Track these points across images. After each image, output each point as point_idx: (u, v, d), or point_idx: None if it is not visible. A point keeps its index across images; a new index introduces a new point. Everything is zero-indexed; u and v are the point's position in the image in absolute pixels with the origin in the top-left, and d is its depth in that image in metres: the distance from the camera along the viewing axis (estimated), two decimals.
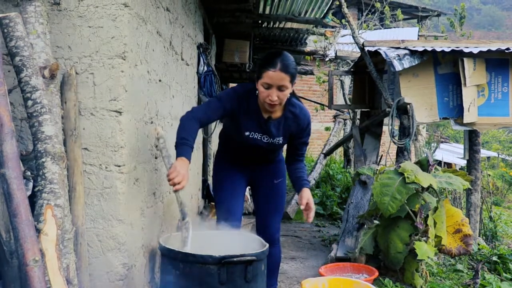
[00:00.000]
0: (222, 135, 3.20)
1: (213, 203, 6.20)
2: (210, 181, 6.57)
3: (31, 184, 2.12)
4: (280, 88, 2.69)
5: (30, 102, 2.05)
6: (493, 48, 4.42)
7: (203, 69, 5.02)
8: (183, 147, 2.61)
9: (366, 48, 4.85)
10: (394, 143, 4.62)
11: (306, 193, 2.92)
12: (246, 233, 2.87)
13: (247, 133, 2.91)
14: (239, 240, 2.74)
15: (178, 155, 2.58)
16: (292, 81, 2.73)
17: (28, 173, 2.12)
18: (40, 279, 1.80)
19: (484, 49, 4.40)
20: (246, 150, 3.01)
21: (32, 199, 2.00)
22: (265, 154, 3.06)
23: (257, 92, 2.79)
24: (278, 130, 2.92)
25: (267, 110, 2.84)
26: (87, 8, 2.37)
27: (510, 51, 4.40)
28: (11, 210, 1.84)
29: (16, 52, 2.07)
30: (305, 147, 3.07)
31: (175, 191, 2.52)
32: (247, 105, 2.86)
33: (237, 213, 3.06)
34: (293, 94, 2.92)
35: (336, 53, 7.83)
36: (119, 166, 2.40)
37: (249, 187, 3.30)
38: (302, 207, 2.86)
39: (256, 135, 2.91)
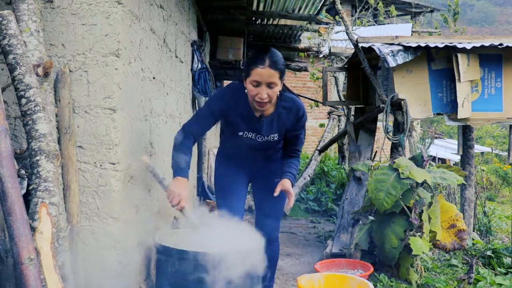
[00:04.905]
0: (221, 135, 3.19)
1: (208, 201, 6.20)
2: (205, 178, 6.57)
3: (25, 183, 2.11)
4: (270, 85, 2.65)
5: (23, 100, 2.05)
6: (486, 44, 4.43)
7: (197, 66, 5.01)
8: (179, 167, 2.65)
9: (360, 45, 4.86)
10: (389, 139, 4.63)
11: (284, 182, 2.84)
12: (243, 228, 2.85)
13: (240, 133, 2.88)
14: (236, 236, 2.73)
15: (174, 175, 2.65)
16: (281, 77, 2.69)
17: (23, 171, 2.11)
18: (35, 277, 1.79)
19: (478, 45, 4.41)
20: (244, 149, 2.98)
21: (27, 198, 2.00)
22: (263, 152, 3.01)
23: (245, 90, 2.74)
24: (271, 127, 2.88)
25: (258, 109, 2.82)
26: (80, 6, 2.36)
27: (503, 46, 4.41)
28: (6, 209, 1.84)
29: (10, 50, 2.06)
30: (299, 141, 3.00)
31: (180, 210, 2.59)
32: (238, 105, 2.82)
33: (239, 212, 3.04)
34: (285, 88, 2.89)
35: (330, 50, 7.84)
36: (113, 163, 2.40)
37: (250, 184, 3.28)
38: (275, 194, 2.80)
39: (250, 134, 2.88)
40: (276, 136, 2.91)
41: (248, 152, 3.00)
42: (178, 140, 2.73)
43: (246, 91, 2.74)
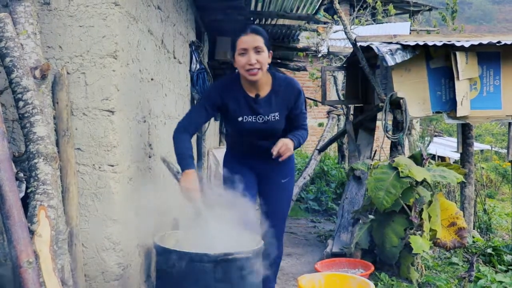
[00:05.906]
0: (226, 135, 3.21)
1: None
2: (205, 179, 6.56)
3: (24, 186, 2.11)
4: (256, 50, 2.73)
5: (21, 103, 2.04)
6: (485, 42, 4.43)
7: (196, 67, 5.01)
8: (182, 161, 2.73)
9: (359, 44, 4.85)
10: (388, 137, 4.62)
11: (283, 139, 2.81)
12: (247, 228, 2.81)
13: (240, 119, 2.88)
14: (238, 237, 2.71)
15: (181, 170, 2.73)
16: (266, 44, 2.77)
17: (21, 174, 2.11)
18: (34, 281, 1.79)
19: (476, 43, 4.41)
20: (249, 142, 2.96)
21: (25, 201, 1.99)
22: (269, 141, 2.89)
23: (237, 71, 2.82)
24: (270, 105, 2.88)
25: (253, 88, 2.85)
26: (78, 8, 2.35)
27: (501, 44, 4.41)
28: (4, 212, 1.83)
29: (6, 53, 2.06)
30: (302, 115, 2.98)
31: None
32: (231, 91, 2.88)
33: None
34: (276, 70, 2.93)
35: (328, 49, 7.80)
36: (112, 165, 2.39)
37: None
38: (274, 153, 2.77)
39: (250, 117, 2.88)
40: (277, 116, 2.89)
41: (254, 144, 2.97)
42: (175, 137, 2.82)
43: (237, 71, 2.83)
